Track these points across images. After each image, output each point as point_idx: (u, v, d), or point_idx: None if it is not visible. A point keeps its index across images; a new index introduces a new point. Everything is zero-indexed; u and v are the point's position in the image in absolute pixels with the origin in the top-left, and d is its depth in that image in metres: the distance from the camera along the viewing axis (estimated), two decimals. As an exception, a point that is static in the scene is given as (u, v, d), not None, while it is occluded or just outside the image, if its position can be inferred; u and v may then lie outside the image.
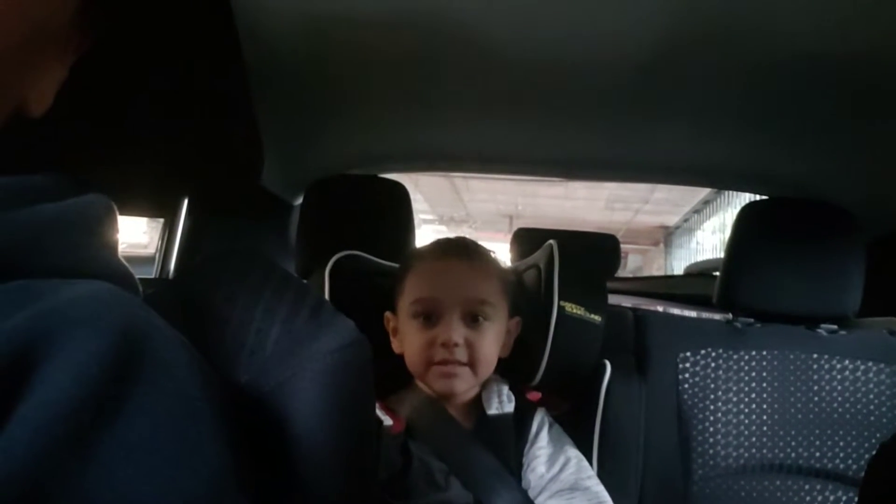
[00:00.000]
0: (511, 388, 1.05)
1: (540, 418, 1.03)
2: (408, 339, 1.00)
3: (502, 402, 1.02)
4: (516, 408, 1.02)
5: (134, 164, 0.50)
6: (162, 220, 1.50)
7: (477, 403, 1.02)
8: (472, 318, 0.97)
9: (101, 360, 0.27)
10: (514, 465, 0.97)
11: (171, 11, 0.48)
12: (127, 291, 0.32)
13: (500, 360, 1.03)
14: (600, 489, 0.95)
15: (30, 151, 0.43)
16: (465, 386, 0.98)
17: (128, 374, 0.28)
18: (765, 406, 1.23)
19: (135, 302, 0.32)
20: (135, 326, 0.30)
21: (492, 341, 0.99)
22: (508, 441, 0.99)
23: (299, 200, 1.56)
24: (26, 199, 0.32)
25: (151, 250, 1.55)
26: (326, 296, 1.08)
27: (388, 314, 1.05)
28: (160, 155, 0.51)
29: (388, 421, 0.97)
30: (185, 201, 1.39)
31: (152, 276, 1.45)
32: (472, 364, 0.96)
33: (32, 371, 0.25)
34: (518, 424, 1.01)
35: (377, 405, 0.99)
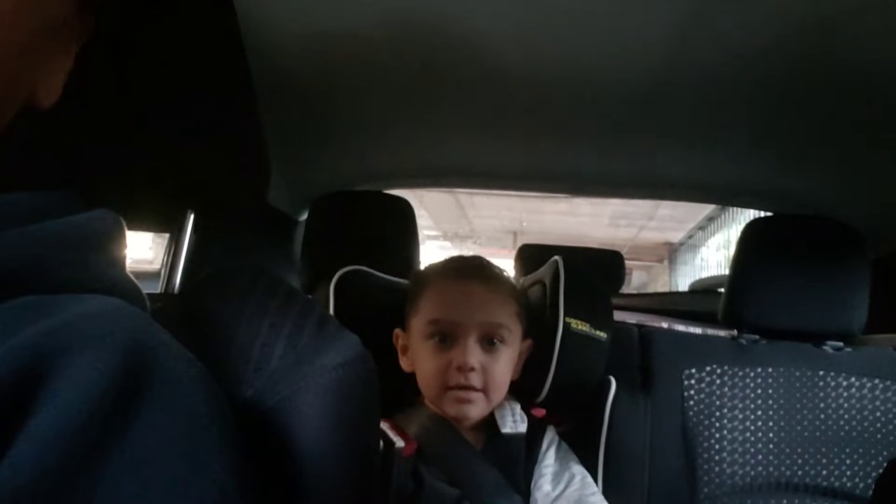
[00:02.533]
0: (521, 407, 1.04)
1: (550, 437, 1.03)
2: (421, 361, 0.98)
3: (516, 422, 1.01)
4: (528, 427, 1.02)
5: (140, 180, 0.51)
6: (167, 236, 1.50)
7: (488, 422, 1.01)
8: (489, 342, 0.96)
9: (109, 376, 0.27)
10: (523, 484, 0.96)
11: (179, 30, 0.48)
12: (134, 307, 0.32)
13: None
14: None
15: (38, 168, 0.44)
16: (478, 412, 0.96)
17: (135, 390, 0.28)
18: (771, 423, 1.22)
19: (142, 317, 0.32)
20: (142, 342, 0.30)
21: (506, 365, 0.98)
22: (519, 460, 0.98)
23: (304, 216, 1.56)
24: (35, 216, 0.33)
25: (157, 266, 1.55)
26: (331, 311, 1.07)
27: (397, 331, 1.04)
28: (166, 170, 0.52)
29: (399, 443, 0.95)
30: (191, 216, 1.39)
31: (158, 292, 1.45)
32: (485, 390, 0.95)
33: (41, 387, 0.26)
34: (529, 443, 1.00)
35: (387, 425, 0.98)
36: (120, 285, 0.36)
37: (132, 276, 0.38)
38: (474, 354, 0.94)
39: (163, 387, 0.29)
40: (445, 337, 0.96)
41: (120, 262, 0.37)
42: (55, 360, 0.26)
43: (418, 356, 0.99)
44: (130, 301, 0.33)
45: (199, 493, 0.28)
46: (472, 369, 0.93)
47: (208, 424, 0.30)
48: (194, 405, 0.30)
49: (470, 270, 1.02)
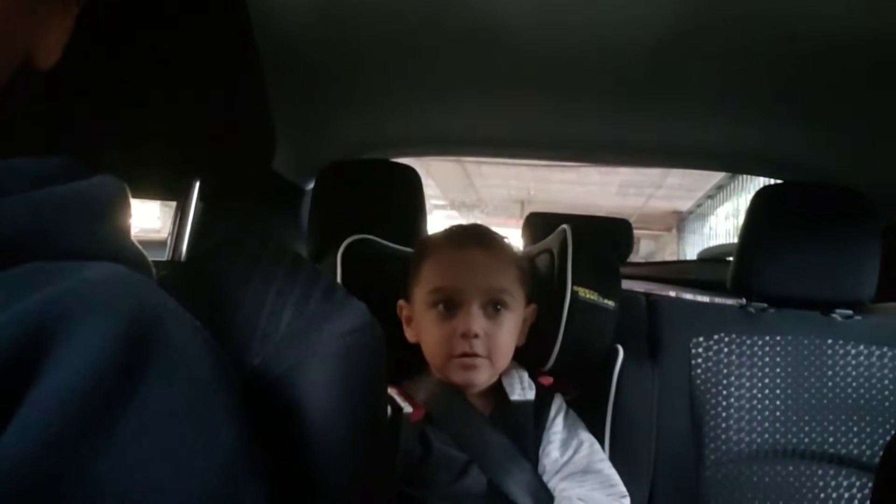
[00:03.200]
0: (528, 374, 1.05)
1: (558, 404, 1.03)
2: (425, 330, 0.99)
3: (524, 389, 1.02)
4: (536, 394, 1.02)
5: (145, 147, 0.50)
6: (174, 204, 1.50)
7: (496, 389, 1.01)
8: (492, 308, 0.96)
9: (114, 343, 0.27)
10: (531, 451, 0.97)
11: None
12: (140, 274, 0.32)
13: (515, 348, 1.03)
14: (612, 472, 0.96)
15: (41, 134, 0.43)
16: (484, 378, 0.97)
17: (141, 357, 0.28)
18: (778, 391, 1.22)
19: (148, 285, 0.32)
20: (148, 310, 0.30)
21: (510, 331, 0.98)
22: (528, 426, 0.99)
23: (311, 185, 1.56)
24: (38, 182, 0.32)
25: (164, 235, 1.56)
26: (338, 280, 1.07)
27: (401, 302, 1.04)
28: (172, 137, 0.51)
29: (407, 408, 0.96)
30: (197, 184, 1.39)
31: (164, 259, 1.45)
32: (490, 356, 0.96)
33: (45, 354, 0.25)
34: (537, 410, 1.01)
35: (395, 391, 0.99)
36: (124, 252, 0.35)
37: (137, 244, 0.37)
38: (478, 321, 0.94)
39: (168, 354, 0.29)
40: (448, 305, 0.96)
41: (124, 229, 0.37)
42: (59, 327, 0.26)
43: (422, 326, 0.99)
44: (136, 268, 0.33)
45: (205, 459, 0.28)
46: (476, 336, 0.94)
47: (215, 391, 0.30)
48: (200, 372, 0.30)
49: (470, 238, 1.02)
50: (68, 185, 0.33)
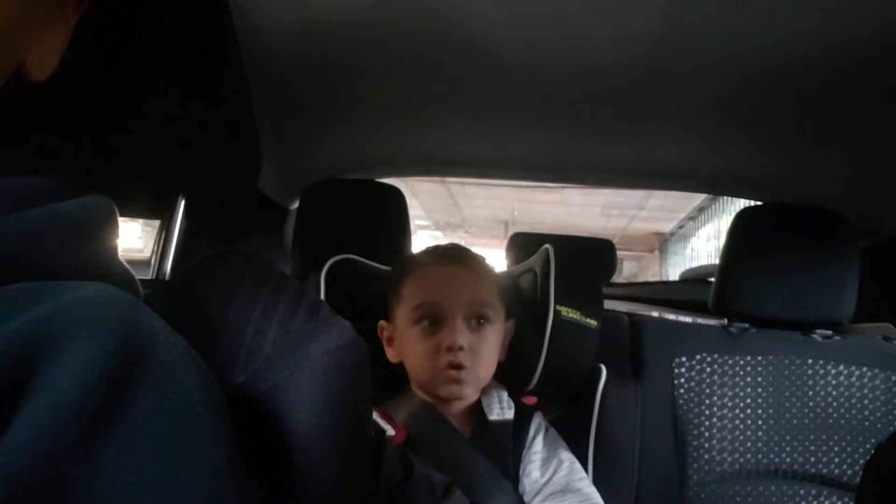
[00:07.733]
0: (509, 394, 1.05)
1: (537, 423, 1.04)
2: (410, 347, 0.99)
3: (503, 409, 1.02)
4: (515, 413, 1.02)
5: (131, 166, 0.50)
6: (157, 223, 1.49)
7: (475, 409, 1.02)
8: (475, 321, 0.97)
9: (103, 363, 0.27)
10: (512, 471, 0.97)
11: (170, 14, 0.48)
12: (127, 293, 0.32)
13: (497, 364, 1.03)
14: (592, 491, 0.96)
15: (30, 153, 0.43)
16: (470, 391, 0.98)
17: (130, 377, 0.28)
18: (760, 411, 1.23)
19: (136, 304, 0.32)
20: (136, 329, 0.29)
21: (493, 344, 0.99)
22: (507, 447, 0.99)
23: (295, 204, 1.56)
24: (27, 201, 0.32)
25: (146, 254, 1.55)
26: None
27: (382, 323, 1.04)
28: (157, 156, 0.51)
29: (390, 431, 0.96)
30: (182, 203, 1.39)
31: (148, 278, 1.44)
32: (475, 369, 0.96)
33: (34, 374, 0.25)
34: (517, 430, 1.01)
35: (377, 413, 0.98)
36: (112, 271, 0.35)
37: (125, 262, 0.37)
38: (462, 334, 0.95)
39: (156, 373, 0.29)
40: (432, 320, 0.97)
41: (113, 248, 0.37)
42: (48, 346, 0.26)
43: (406, 343, 1.00)
44: (123, 287, 0.33)
45: (195, 479, 0.28)
46: (462, 349, 0.94)
47: (203, 411, 0.30)
48: (189, 392, 0.30)
49: (450, 255, 1.03)
50: (58, 204, 0.33)
